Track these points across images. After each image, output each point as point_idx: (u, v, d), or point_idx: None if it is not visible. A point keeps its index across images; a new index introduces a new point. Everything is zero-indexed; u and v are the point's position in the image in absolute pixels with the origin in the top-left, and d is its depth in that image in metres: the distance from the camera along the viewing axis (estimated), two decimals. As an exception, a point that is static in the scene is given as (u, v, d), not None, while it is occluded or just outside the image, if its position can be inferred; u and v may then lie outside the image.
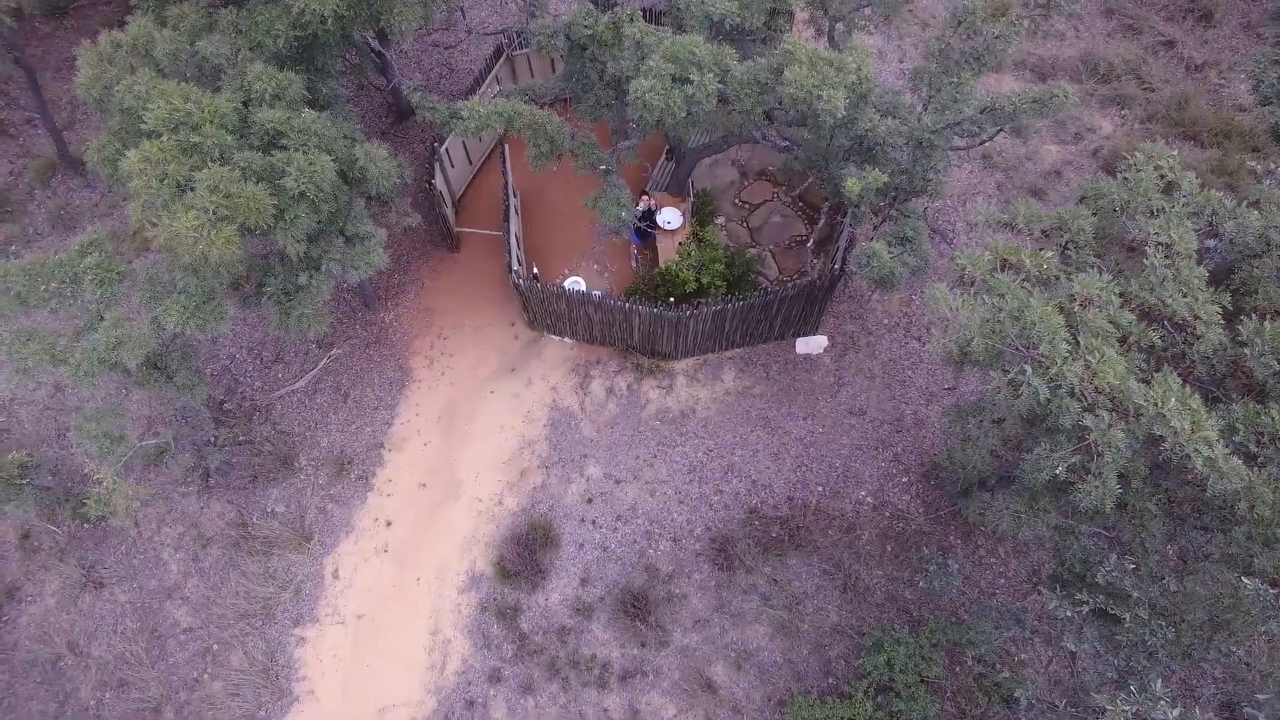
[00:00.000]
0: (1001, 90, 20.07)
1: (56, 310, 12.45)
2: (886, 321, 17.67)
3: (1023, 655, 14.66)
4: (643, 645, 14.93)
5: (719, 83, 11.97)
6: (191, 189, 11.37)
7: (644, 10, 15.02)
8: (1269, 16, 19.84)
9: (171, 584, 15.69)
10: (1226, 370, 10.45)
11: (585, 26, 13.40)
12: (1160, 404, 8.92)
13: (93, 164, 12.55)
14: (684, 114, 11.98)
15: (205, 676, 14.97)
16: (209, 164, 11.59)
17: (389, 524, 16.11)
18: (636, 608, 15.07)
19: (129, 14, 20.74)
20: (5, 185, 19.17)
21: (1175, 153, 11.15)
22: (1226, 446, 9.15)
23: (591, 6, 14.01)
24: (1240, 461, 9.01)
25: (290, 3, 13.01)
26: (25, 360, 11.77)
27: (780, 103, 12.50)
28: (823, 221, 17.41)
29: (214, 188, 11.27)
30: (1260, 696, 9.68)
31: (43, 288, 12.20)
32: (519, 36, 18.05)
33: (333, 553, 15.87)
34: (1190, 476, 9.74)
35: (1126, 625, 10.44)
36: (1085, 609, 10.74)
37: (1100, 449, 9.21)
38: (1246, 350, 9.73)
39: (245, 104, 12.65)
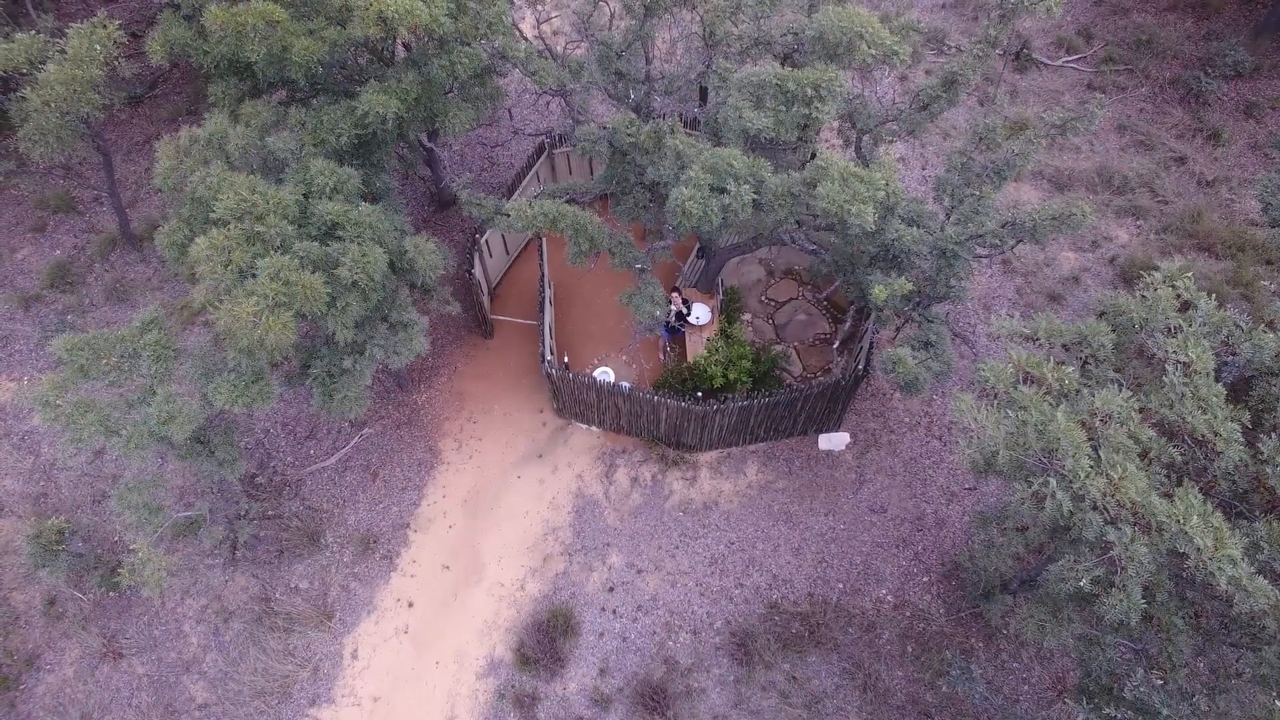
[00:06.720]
0: (1021, 198, 20.91)
1: (113, 383, 12.99)
2: (908, 420, 17.95)
3: (1048, 769, 14.35)
4: (660, 741, 14.74)
5: (754, 193, 12.66)
6: (253, 275, 12.05)
7: (680, 116, 15.96)
8: (1274, 141, 20.67)
9: (190, 657, 15.73)
10: (1249, 486, 10.59)
11: (628, 134, 14.23)
12: (1182, 520, 9.07)
13: (161, 248, 13.29)
14: (719, 220, 12.63)
15: (218, 755, 14.87)
16: (271, 252, 12.30)
17: (410, 605, 16.18)
18: (655, 701, 14.94)
19: (197, 101, 22.10)
20: (69, 258, 20.12)
21: (1190, 273, 11.57)
22: (1251, 565, 9.23)
23: (634, 115, 14.91)
24: (1266, 581, 9.09)
25: (355, 104, 14.03)
26: (82, 431, 12.24)
27: (811, 211, 13.15)
28: (849, 324, 17.93)
29: (274, 275, 11.93)
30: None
31: (103, 362, 12.79)
32: (561, 138, 19.09)
33: (353, 632, 15.91)
34: (1217, 592, 9.79)
35: (1156, 743, 10.33)
36: (1113, 724, 10.65)
37: (1124, 562, 9.34)
38: (1268, 468, 9.91)
39: (306, 196, 13.47)
